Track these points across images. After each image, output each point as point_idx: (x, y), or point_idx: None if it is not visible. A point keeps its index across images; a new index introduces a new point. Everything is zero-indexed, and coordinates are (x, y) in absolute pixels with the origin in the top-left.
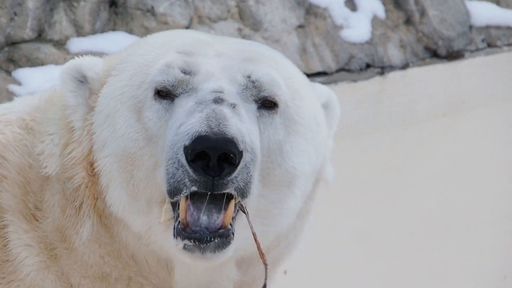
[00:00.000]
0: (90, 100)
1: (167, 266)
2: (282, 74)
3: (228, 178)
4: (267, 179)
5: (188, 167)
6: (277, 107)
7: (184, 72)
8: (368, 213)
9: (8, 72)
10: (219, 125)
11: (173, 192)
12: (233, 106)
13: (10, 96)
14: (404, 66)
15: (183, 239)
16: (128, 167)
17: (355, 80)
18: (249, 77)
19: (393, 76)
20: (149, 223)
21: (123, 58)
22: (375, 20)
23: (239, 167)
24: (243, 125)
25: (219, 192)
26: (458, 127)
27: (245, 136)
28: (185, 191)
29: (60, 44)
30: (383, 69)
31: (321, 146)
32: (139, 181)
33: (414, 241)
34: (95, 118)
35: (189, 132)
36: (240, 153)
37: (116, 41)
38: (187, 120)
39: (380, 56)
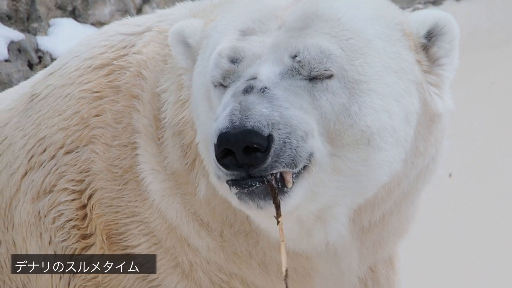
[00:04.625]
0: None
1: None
2: (340, 36)
3: (264, 166)
4: (339, 140)
5: (219, 165)
6: (332, 75)
7: (231, 60)
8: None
9: None
10: (241, 118)
11: (216, 178)
12: (262, 90)
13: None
14: None
15: (230, 188)
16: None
17: None
18: (295, 57)
19: None
20: None
21: (212, 27)
22: None
23: (272, 151)
24: (271, 106)
25: (260, 176)
26: None
27: (272, 116)
28: (223, 179)
29: None
30: None
31: (409, 90)
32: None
33: None
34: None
35: (216, 130)
36: (266, 138)
37: None
38: (220, 114)
39: None
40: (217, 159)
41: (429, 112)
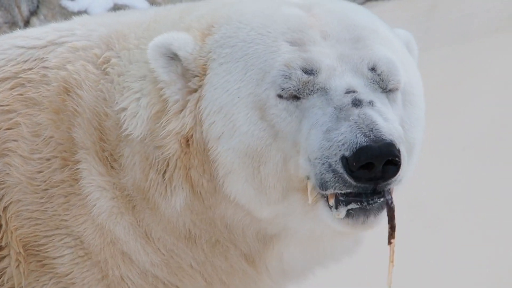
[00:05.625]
0: (191, 82)
1: (265, 239)
2: (390, 47)
3: (391, 180)
4: None
5: (348, 178)
6: (398, 88)
7: (306, 72)
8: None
9: None
10: (371, 130)
11: (322, 187)
12: (371, 104)
13: (63, 11)
14: None
15: (347, 204)
16: (253, 163)
17: None
18: (373, 69)
19: None
20: (278, 210)
21: (220, 39)
22: None
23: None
24: (388, 121)
25: (382, 190)
26: None
27: (396, 132)
28: (333, 190)
29: None
30: None
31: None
32: (267, 176)
33: (468, 156)
34: (204, 104)
35: (346, 143)
36: (399, 152)
37: None
38: (336, 127)
39: None
40: (350, 172)
41: None
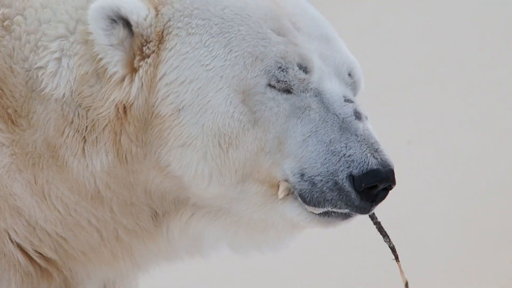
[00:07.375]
0: (146, 47)
1: (181, 204)
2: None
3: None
4: None
5: (354, 196)
6: None
7: (301, 68)
8: None
9: None
10: (377, 151)
11: (314, 203)
12: (367, 118)
13: None
14: None
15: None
16: (223, 144)
17: None
18: (350, 75)
19: None
20: (227, 193)
21: (183, 9)
22: None
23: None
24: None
25: (370, 213)
26: None
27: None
28: (329, 207)
29: None
30: None
31: None
32: (234, 160)
33: None
34: (163, 71)
35: (355, 161)
36: None
37: None
38: (340, 139)
39: None
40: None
41: None
